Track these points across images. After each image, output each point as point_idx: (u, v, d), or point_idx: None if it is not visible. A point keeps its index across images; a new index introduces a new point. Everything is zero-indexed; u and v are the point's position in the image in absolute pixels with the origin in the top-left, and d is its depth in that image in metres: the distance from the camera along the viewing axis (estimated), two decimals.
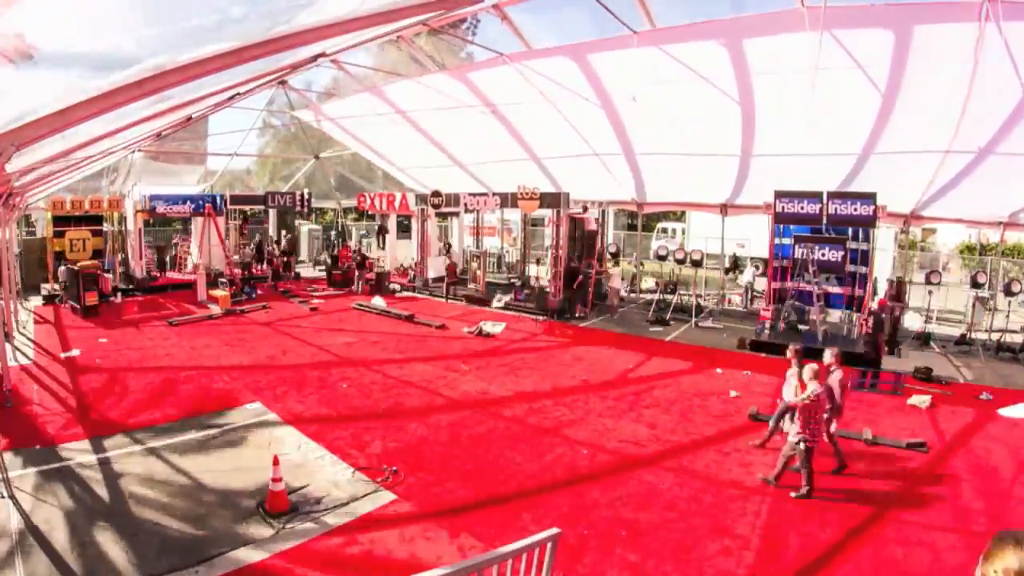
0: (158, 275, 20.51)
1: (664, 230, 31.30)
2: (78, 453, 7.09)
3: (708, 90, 11.81)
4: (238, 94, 10.26)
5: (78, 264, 15.60)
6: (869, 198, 12.20)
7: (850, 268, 12.98)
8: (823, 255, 12.93)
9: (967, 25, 8.52)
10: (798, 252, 13.22)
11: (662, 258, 17.17)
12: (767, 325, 13.34)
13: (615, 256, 19.35)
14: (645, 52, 10.97)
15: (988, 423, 8.82)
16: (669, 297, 16.82)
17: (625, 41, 10.78)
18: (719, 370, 11.30)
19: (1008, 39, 8.35)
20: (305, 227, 29.04)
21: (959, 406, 9.50)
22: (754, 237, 22.10)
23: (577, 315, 16.27)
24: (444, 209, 19.82)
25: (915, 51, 9.52)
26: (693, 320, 15.69)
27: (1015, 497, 6.65)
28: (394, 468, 6.92)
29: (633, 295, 19.25)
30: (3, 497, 5.90)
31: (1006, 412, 9.27)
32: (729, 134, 13.30)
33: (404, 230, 23.60)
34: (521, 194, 16.62)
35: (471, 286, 18.98)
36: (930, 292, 14.34)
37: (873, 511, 6.22)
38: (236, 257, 20.91)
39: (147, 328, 13.78)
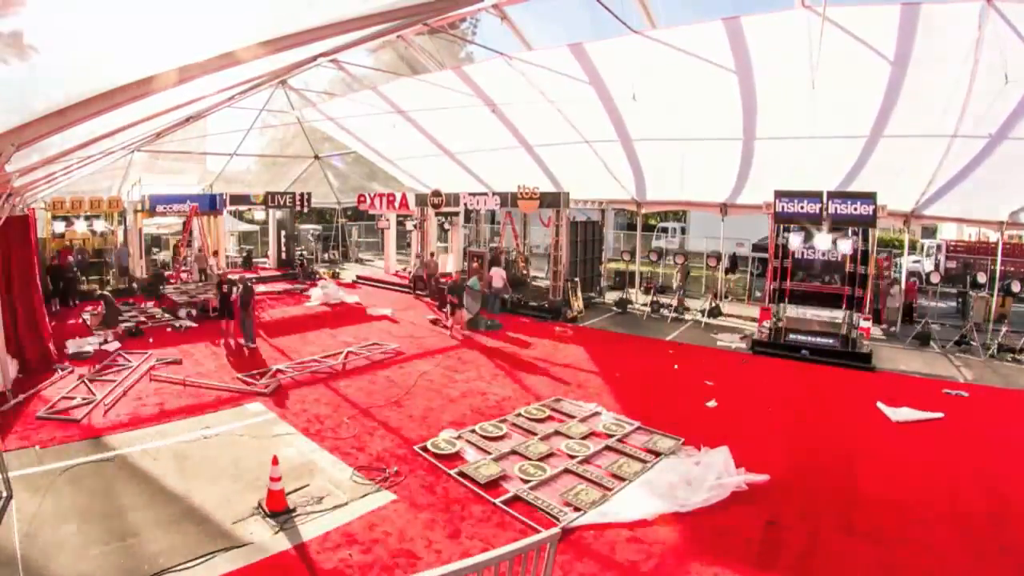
0: None
1: (664, 229, 31.40)
2: (77, 452, 7.09)
3: (707, 69, 11.41)
4: (238, 94, 10.24)
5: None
6: (869, 197, 12.16)
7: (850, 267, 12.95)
8: (823, 255, 12.90)
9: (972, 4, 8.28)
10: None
11: (661, 257, 17.17)
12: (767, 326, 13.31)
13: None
14: (642, 39, 10.80)
15: None
16: (666, 299, 16.81)
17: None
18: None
19: (1012, 20, 8.23)
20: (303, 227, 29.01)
21: None
22: (753, 237, 22.17)
23: (571, 315, 16.20)
24: (444, 209, 19.83)
25: (921, 32, 9.14)
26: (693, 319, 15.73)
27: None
28: (394, 468, 6.92)
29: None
30: (2, 496, 5.91)
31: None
32: (731, 118, 12.97)
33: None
34: (521, 194, 16.62)
35: None
36: (930, 292, 14.35)
37: None
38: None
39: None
